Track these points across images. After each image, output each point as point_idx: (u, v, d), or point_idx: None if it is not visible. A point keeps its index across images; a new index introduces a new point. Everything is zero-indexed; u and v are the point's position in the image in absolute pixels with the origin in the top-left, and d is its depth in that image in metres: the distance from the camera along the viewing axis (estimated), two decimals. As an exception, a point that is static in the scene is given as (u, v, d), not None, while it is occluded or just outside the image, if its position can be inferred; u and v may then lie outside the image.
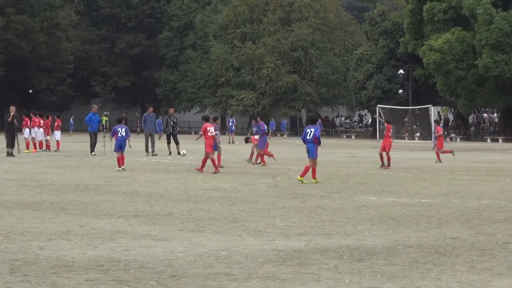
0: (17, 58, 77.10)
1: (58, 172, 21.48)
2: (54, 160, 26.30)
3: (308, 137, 19.03)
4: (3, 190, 16.24)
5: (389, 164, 24.62)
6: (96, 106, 33.97)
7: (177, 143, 31.89)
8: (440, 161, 28.76)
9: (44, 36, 78.94)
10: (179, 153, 30.99)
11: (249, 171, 23.01)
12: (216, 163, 22.45)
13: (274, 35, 74.97)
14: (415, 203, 14.42)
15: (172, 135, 32.26)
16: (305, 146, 19.47)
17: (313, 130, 19.10)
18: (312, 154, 18.97)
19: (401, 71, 64.26)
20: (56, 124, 36.26)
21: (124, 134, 23.35)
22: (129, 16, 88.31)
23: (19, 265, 8.14)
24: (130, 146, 24.09)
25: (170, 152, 31.66)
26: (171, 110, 34.08)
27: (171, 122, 32.48)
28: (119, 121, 24.50)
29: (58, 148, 34.54)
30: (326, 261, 8.52)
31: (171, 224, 11.32)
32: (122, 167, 22.55)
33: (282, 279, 7.60)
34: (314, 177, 18.94)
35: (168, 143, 32.26)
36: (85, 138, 35.02)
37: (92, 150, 31.31)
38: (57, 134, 36.02)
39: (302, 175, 18.78)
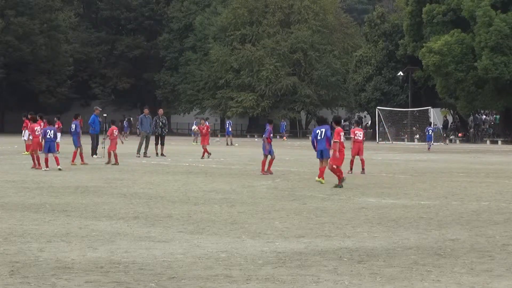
0: (17, 60, 77.17)
1: (58, 174, 21.49)
2: (54, 162, 26.28)
3: (319, 137, 19.01)
4: (3, 192, 16.24)
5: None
6: (100, 109, 33.93)
7: (162, 144, 32.45)
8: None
9: (43, 38, 79.02)
10: (162, 154, 32.06)
11: (249, 173, 23.01)
12: (266, 168, 22.25)
13: (274, 37, 75.04)
14: (414, 205, 14.42)
15: (160, 136, 32.67)
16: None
17: (323, 130, 19.07)
18: (327, 154, 18.98)
19: (400, 73, 64.34)
20: (56, 126, 36.19)
21: (52, 135, 23.49)
22: (129, 18, 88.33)
23: (19, 267, 8.14)
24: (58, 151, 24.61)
25: (157, 154, 32.06)
26: (160, 111, 34.55)
27: (160, 123, 32.87)
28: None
29: (57, 150, 34.49)
30: (326, 263, 8.52)
31: (171, 226, 11.32)
32: (47, 168, 22.68)
33: (281, 281, 7.61)
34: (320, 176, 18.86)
35: (156, 144, 32.56)
36: (86, 140, 34.96)
37: (93, 152, 31.30)
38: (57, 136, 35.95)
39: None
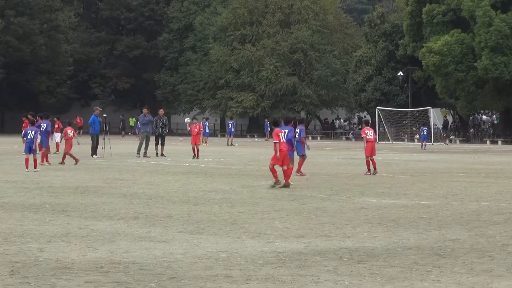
0: (17, 60, 77.15)
1: (58, 174, 21.49)
2: (54, 162, 26.31)
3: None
4: (3, 192, 16.24)
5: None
6: (100, 109, 33.92)
7: (162, 144, 32.53)
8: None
9: (43, 38, 79.01)
10: (162, 154, 32.16)
11: (249, 173, 23.01)
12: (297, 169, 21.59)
13: (274, 37, 75.03)
14: (414, 205, 14.42)
15: (160, 136, 32.75)
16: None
17: (286, 131, 18.92)
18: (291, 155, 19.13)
19: (400, 73, 64.31)
20: (56, 126, 36.21)
21: (33, 136, 23.35)
22: (129, 18, 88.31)
23: (19, 267, 8.14)
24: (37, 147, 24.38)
25: (157, 154, 32.15)
26: (161, 111, 34.67)
27: (160, 123, 32.95)
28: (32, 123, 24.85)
29: (57, 150, 34.53)
30: (326, 263, 8.52)
31: (171, 226, 11.32)
32: (27, 169, 22.33)
33: (281, 281, 7.61)
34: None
35: (157, 144, 32.64)
36: (86, 140, 35.01)
37: (93, 152, 31.31)
38: (57, 136, 35.99)
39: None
